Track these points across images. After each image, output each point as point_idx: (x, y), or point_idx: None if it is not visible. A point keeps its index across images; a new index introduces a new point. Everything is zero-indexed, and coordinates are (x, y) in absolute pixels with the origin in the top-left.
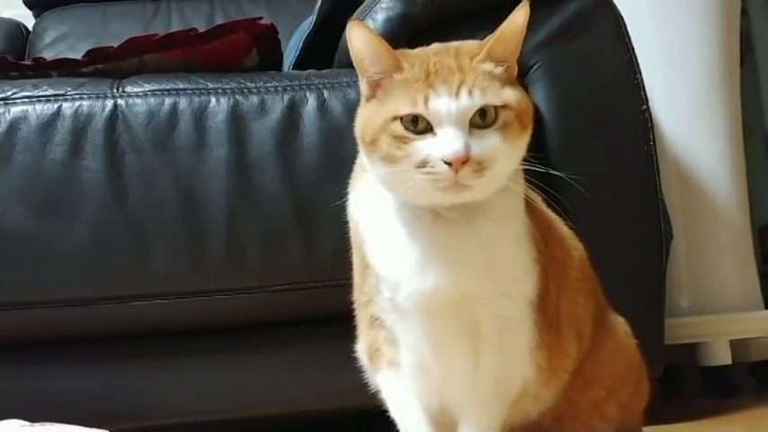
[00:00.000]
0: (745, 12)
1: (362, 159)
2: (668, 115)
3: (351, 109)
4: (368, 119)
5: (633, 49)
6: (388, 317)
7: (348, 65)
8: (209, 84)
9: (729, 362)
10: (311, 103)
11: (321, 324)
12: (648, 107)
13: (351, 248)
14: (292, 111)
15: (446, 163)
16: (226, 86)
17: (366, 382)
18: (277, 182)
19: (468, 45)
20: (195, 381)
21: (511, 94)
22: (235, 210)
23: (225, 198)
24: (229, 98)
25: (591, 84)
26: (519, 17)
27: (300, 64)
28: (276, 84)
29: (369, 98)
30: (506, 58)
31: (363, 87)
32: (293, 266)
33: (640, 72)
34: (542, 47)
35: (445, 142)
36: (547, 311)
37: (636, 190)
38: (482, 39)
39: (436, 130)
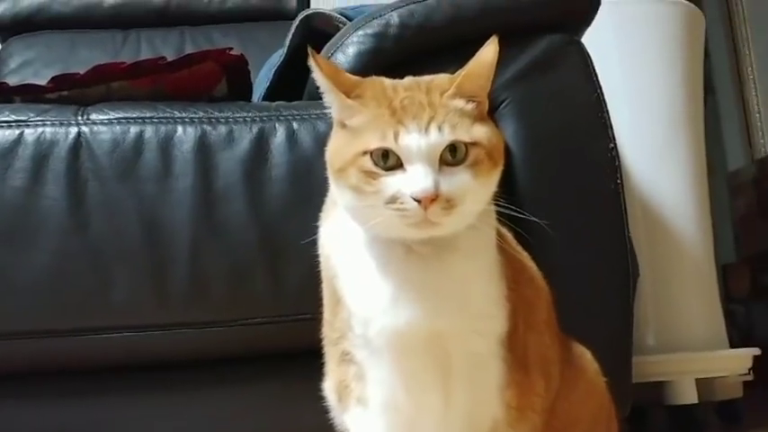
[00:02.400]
0: (707, 54)
1: (332, 190)
2: (634, 154)
3: (320, 141)
4: (338, 148)
5: (600, 87)
6: (359, 353)
7: (318, 97)
8: (176, 113)
9: (695, 401)
10: (280, 134)
11: (288, 359)
12: (616, 145)
13: (319, 282)
14: (261, 142)
15: (415, 200)
16: (193, 116)
17: (332, 423)
18: (244, 213)
19: (439, 80)
20: (159, 417)
21: (481, 131)
22: (199, 241)
23: (190, 228)
24: (197, 127)
25: (559, 121)
26: (488, 53)
27: (270, 96)
28: (245, 114)
29: (340, 126)
30: (476, 93)
31: (334, 115)
32: (259, 300)
33: (607, 111)
34: (512, 83)
35: (414, 179)
36: (515, 349)
37: (603, 228)
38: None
39: (406, 166)
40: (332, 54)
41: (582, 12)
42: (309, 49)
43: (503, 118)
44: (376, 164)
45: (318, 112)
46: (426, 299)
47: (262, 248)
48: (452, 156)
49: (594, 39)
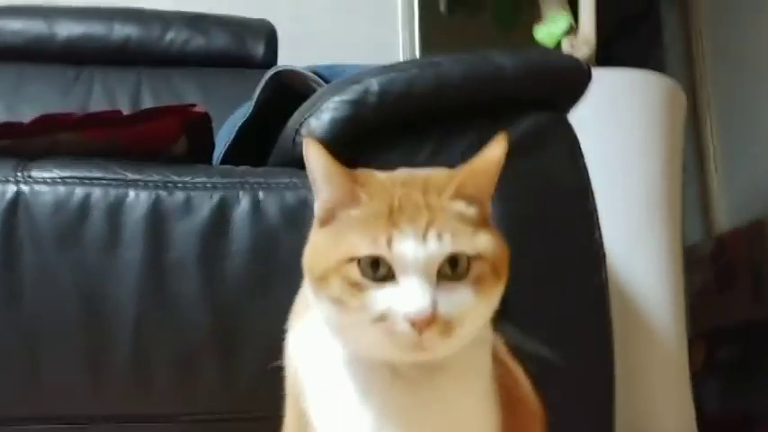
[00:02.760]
0: None
1: (307, 294)
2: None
3: (287, 214)
4: (319, 250)
5: (588, 173)
6: None
7: (285, 164)
8: (128, 174)
9: None
10: (244, 204)
11: None
12: (601, 236)
13: (279, 377)
14: (222, 211)
15: (409, 321)
16: (148, 179)
17: None
18: (197, 291)
19: (438, 177)
20: None
21: (485, 241)
22: (145, 320)
23: (135, 305)
24: (151, 193)
25: (541, 209)
26: (494, 152)
27: (231, 153)
28: (206, 180)
29: (322, 223)
30: (478, 196)
31: (317, 209)
32: (209, 392)
33: (594, 199)
34: None
35: (409, 297)
36: None
37: (586, 328)
38: (428, 156)
39: (399, 277)
40: (305, 119)
41: (573, 87)
42: (306, 139)
43: None
44: (364, 274)
45: (287, 180)
46: (413, 429)
47: (215, 332)
48: (452, 269)
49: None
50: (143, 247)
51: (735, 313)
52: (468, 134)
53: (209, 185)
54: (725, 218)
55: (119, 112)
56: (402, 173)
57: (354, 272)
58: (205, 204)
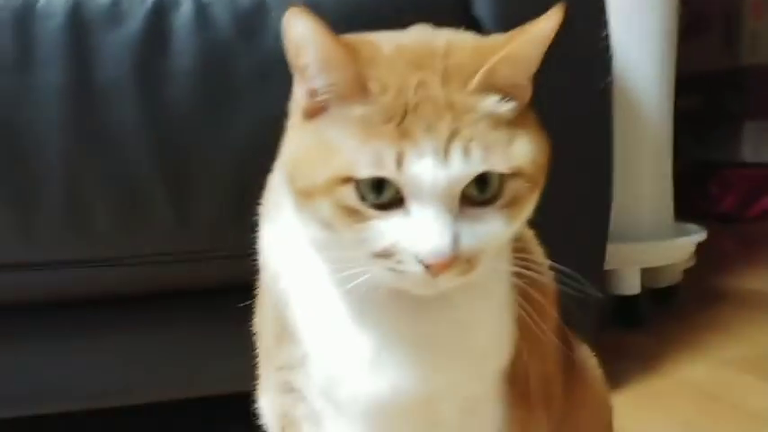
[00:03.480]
0: None
1: (282, 186)
2: None
3: (240, 20)
4: (302, 156)
5: None
6: (316, 400)
7: None
8: None
9: (638, 291)
10: (186, 7)
11: (202, 297)
12: (608, 33)
13: (240, 214)
14: (158, 18)
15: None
16: None
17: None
18: (134, 119)
19: (463, 54)
20: (44, 365)
21: (524, 150)
22: (74, 155)
23: (61, 140)
24: None
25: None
26: (545, 27)
27: None
28: None
29: (308, 115)
30: (517, 82)
31: (299, 94)
32: (160, 234)
33: None
34: None
35: (424, 232)
36: (517, 379)
37: (587, 137)
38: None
39: (410, 205)
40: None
41: None
42: (293, 8)
43: None
44: (363, 198)
45: None
46: (419, 354)
47: (160, 166)
48: (480, 191)
49: None
50: (63, 65)
51: (702, 62)
52: None
53: None
54: None
55: None
56: (414, 40)
57: (350, 196)
58: (136, 9)
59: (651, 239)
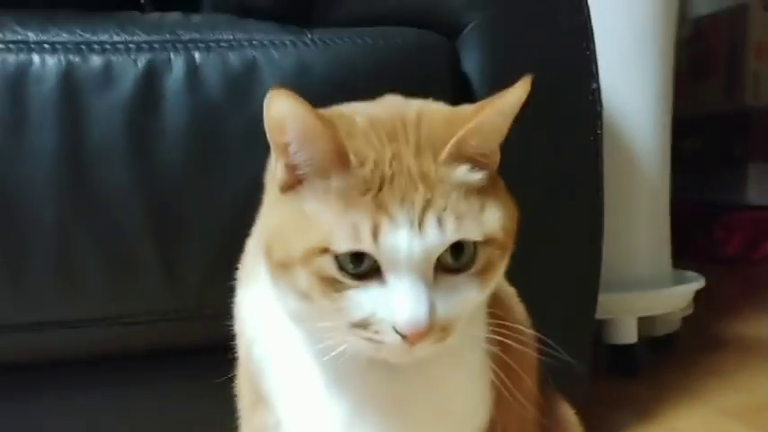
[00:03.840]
0: None
1: (263, 267)
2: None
3: (231, 81)
4: (280, 228)
5: (588, 7)
6: None
7: (226, 9)
8: (30, 35)
9: (635, 340)
10: (177, 69)
11: (190, 356)
12: (599, 86)
13: (227, 271)
14: (150, 80)
15: (399, 333)
16: (55, 40)
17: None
18: (125, 179)
19: (434, 125)
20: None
21: (495, 218)
22: (66, 217)
23: (52, 201)
24: (60, 58)
25: (535, 55)
26: (513, 97)
27: None
28: (128, 39)
29: (285, 188)
30: (487, 151)
31: (278, 169)
32: (147, 293)
33: (594, 41)
34: (479, 2)
35: (401, 303)
36: None
37: (577, 188)
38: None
39: (387, 276)
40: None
41: None
42: (274, 91)
43: (465, 45)
44: (342, 268)
45: (230, 38)
46: (393, 421)
47: (150, 227)
48: (455, 259)
49: None
50: (56, 127)
51: (705, 104)
52: None
53: (132, 46)
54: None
55: None
56: (385, 111)
57: (329, 266)
58: (129, 70)
59: (648, 288)
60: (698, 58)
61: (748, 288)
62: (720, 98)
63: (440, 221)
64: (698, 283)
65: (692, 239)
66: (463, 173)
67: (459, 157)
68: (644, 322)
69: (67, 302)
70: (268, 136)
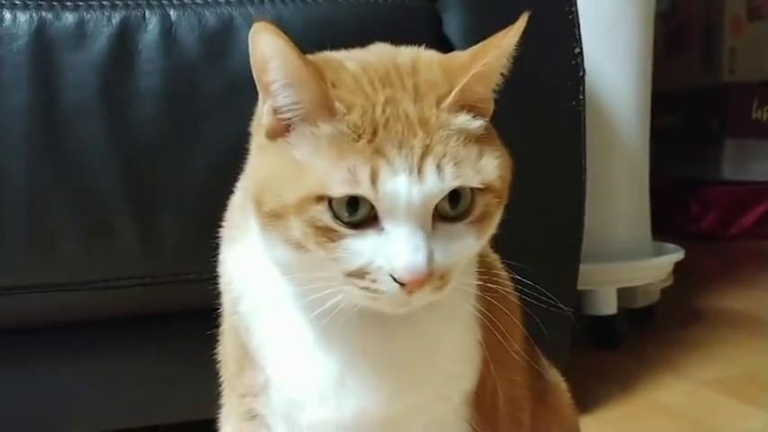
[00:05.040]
0: None
1: (250, 218)
2: None
3: (207, 40)
4: (270, 177)
5: None
6: (278, 426)
7: None
8: None
9: (615, 311)
10: (152, 27)
11: (168, 321)
12: (582, 51)
13: (207, 236)
14: (124, 39)
15: (397, 281)
16: None
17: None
18: (100, 141)
19: (432, 72)
20: (9, 392)
21: (493, 166)
22: (41, 179)
23: (25, 163)
24: (32, 15)
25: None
26: (510, 40)
27: None
28: None
29: (273, 134)
30: (484, 99)
31: (263, 112)
32: (123, 258)
33: (576, 4)
34: None
35: (399, 250)
36: (483, 403)
37: (559, 154)
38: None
39: (385, 224)
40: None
41: None
42: (259, 24)
43: (447, 7)
44: (337, 216)
45: None
46: (384, 377)
47: (126, 190)
48: (453, 207)
49: None
50: (27, 88)
51: (681, 79)
52: None
53: (105, 2)
54: None
55: None
56: (377, 58)
57: (324, 215)
58: (102, 29)
59: (628, 259)
60: (674, 33)
61: (725, 262)
62: (697, 73)
63: (439, 168)
64: (677, 254)
65: (668, 214)
66: (464, 120)
67: (462, 103)
68: (623, 294)
69: (42, 266)
70: (253, 73)
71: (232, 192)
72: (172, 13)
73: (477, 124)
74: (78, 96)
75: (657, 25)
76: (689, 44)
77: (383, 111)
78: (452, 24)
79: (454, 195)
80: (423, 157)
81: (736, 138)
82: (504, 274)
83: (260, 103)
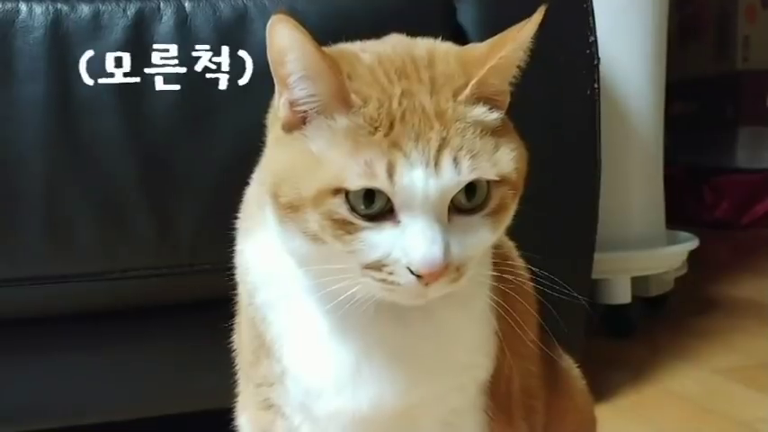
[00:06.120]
0: None
1: (267, 211)
2: None
3: (222, 30)
4: (287, 169)
5: None
6: (295, 416)
7: None
8: None
9: (629, 300)
10: (167, 19)
11: (184, 312)
12: (596, 39)
13: (223, 226)
14: (139, 30)
15: (414, 273)
16: None
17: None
18: (117, 133)
19: (449, 64)
20: (27, 381)
21: (509, 158)
22: (57, 171)
23: (43, 154)
24: (48, 7)
25: (532, 6)
26: (527, 32)
27: None
28: None
29: (289, 128)
30: (501, 91)
31: (280, 104)
32: (140, 248)
33: None
34: None
35: (416, 243)
36: (498, 392)
37: (574, 142)
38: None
39: (402, 216)
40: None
41: None
42: (277, 16)
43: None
44: (354, 209)
45: None
46: (400, 367)
47: (142, 180)
48: (469, 199)
49: None
50: (44, 79)
51: (695, 67)
52: None
53: None
54: None
55: None
56: (395, 51)
57: (341, 207)
58: (118, 20)
59: (642, 248)
60: (688, 21)
61: (738, 251)
62: (710, 62)
63: (456, 161)
64: (692, 243)
65: (682, 203)
66: (481, 112)
67: (478, 95)
68: (638, 283)
69: (58, 257)
70: (270, 65)
71: (247, 183)
72: (186, 4)
73: (494, 116)
74: (95, 88)
75: (671, 13)
76: (703, 32)
77: (399, 103)
78: (466, 13)
79: (470, 188)
80: (439, 150)
81: (751, 126)
82: (519, 263)
83: (276, 95)
